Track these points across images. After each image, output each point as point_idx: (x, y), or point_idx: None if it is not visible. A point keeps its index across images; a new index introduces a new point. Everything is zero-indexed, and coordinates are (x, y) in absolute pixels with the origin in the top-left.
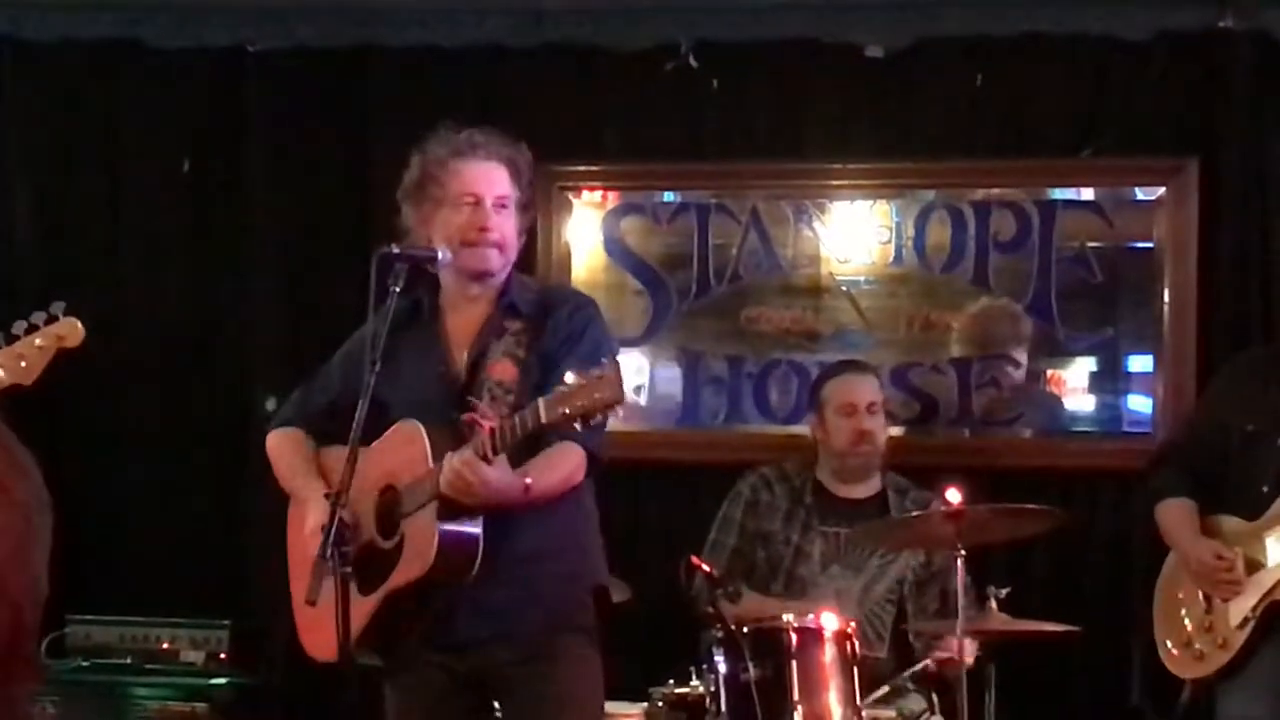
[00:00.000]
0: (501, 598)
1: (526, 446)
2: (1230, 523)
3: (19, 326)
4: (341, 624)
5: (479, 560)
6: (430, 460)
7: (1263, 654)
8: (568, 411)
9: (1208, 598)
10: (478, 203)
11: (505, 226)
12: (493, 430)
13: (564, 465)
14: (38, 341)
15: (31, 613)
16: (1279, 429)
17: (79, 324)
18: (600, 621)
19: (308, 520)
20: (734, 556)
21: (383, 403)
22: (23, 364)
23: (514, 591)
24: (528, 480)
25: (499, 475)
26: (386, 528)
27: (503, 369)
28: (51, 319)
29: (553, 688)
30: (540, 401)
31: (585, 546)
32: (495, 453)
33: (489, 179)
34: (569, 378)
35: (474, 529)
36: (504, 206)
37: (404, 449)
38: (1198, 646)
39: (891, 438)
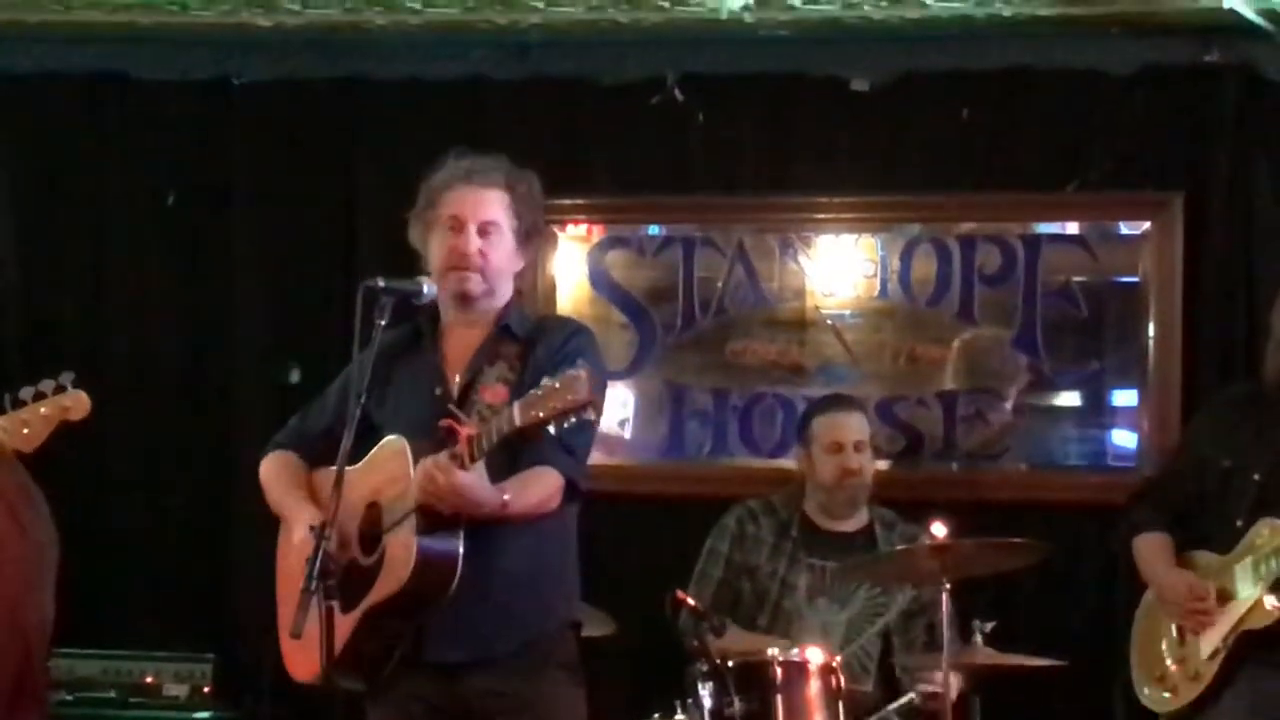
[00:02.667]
0: (479, 621)
1: (508, 467)
2: (1204, 557)
3: (26, 392)
4: (325, 657)
5: (458, 577)
6: (413, 475)
7: (1236, 684)
8: (541, 414)
9: (1180, 632)
10: (460, 227)
11: (492, 251)
12: (469, 437)
13: (541, 488)
14: (43, 410)
15: (41, 646)
16: (1255, 465)
17: (85, 397)
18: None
19: (293, 540)
20: (720, 589)
21: (378, 426)
22: (25, 431)
23: (493, 615)
24: (506, 496)
25: (473, 481)
26: (369, 544)
27: (494, 392)
28: (59, 389)
29: None
30: (515, 404)
31: (566, 579)
32: (472, 459)
33: (476, 204)
34: (543, 381)
35: (454, 546)
36: (490, 232)
37: (389, 464)
38: (1171, 681)
39: (878, 471)
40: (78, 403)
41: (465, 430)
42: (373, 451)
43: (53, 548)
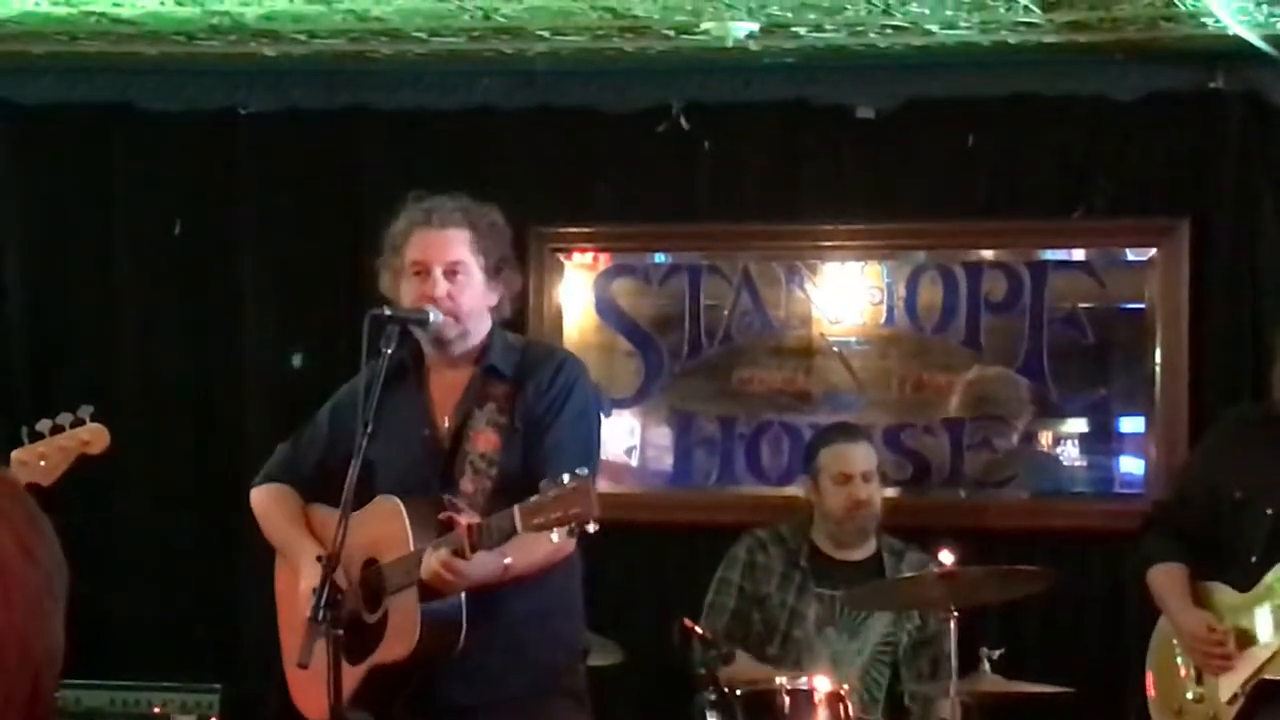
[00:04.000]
0: (488, 662)
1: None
2: (1221, 592)
3: (44, 425)
4: (333, 686)
5: (463, 635)
6: (411, 541)
7: None
8: (541, 522)
9: (1198, 669)
10: (426, 271)
11: (462, 293)
12: (470, 527)
13: (547, 544)
14: (61, 443)
15: (49, 677)
16: (1267, 496)
17: (104, 431)
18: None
19: (300, 582)
20: (733, 619)
21: (368, 462)
22: (43, 464)
23: (501, 656)
24: (507, 561)
25: (477, 568)
26: (370, 600)
27: (486, 440)
28: (78, 422)
29: None
30: (516, 510)
31: (572, 609)
32: (474, 550)
33: (439, 246)
34: (543, 485)
35: (456, 606)
36: (457, 273)
37: (385, 525)
38: (1187, 715)
39: (885, 499)
40: (96, 436)
41: (465, 520)
42: (367, 507)
43: (61, 577)
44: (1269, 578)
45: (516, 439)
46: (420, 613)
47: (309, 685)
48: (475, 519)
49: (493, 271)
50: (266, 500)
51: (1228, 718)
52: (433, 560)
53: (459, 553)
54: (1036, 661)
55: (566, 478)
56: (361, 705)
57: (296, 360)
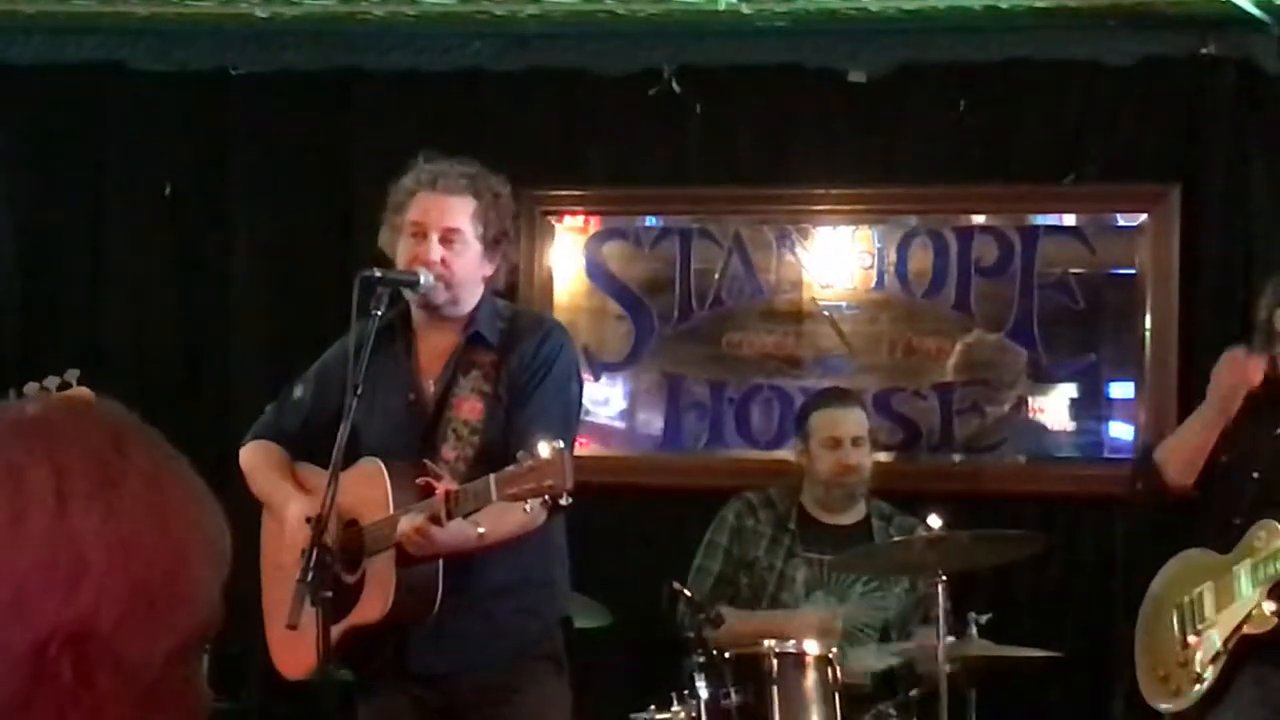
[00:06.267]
0: (462, 631)
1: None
2: (1204, 555)
3: (30, 388)
4: (321, 646)
5: (439, 601)
6: (391, 505)
7: (1240, 682)
8: (516, 492)
9: (1183, 633)
10: (423, 234)
11: (456, 260)
12: (448, 493)
13: (520, 514)
14: None
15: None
16: (1254, 461)
17: (91, 395)
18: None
19: (283, 531)
20: (718, 583)
21: (353, 424)
22: None
23: (475, 625)
24: (481, 530)
25: (450, 535)
26: (349, 561)
27: (470, 407)
28: (65, 385)
29: (518, 715)
30: (492, 479)
31: (552, 581)
32: (450, 517)
33: (439, 210)
34: (520, 456)
35: (433, 572)
36: (454, 240)
37: (367, 487)
38: (1175, 682)
39: (875, 463)
40: (84, 399)
41: (443, 487)
42: (351, 469)
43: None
44: (1248, 536)
45: (500, 408)
46: (396, 577)
47: (288, 644)
48: (454, 485)
49: (491, 243)
50: (253, 457)
51: (1212, 676)
52: (408, 524)
53: (435, 519)
54: (1025, 626)
55: (544, 449)
56: (341, 661)
57: (298, 391)
